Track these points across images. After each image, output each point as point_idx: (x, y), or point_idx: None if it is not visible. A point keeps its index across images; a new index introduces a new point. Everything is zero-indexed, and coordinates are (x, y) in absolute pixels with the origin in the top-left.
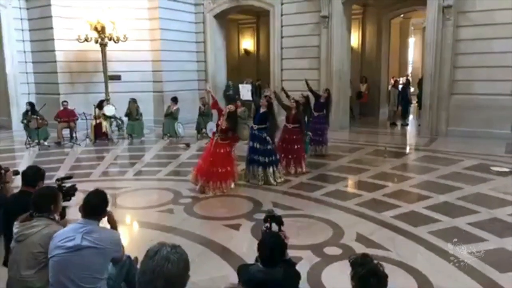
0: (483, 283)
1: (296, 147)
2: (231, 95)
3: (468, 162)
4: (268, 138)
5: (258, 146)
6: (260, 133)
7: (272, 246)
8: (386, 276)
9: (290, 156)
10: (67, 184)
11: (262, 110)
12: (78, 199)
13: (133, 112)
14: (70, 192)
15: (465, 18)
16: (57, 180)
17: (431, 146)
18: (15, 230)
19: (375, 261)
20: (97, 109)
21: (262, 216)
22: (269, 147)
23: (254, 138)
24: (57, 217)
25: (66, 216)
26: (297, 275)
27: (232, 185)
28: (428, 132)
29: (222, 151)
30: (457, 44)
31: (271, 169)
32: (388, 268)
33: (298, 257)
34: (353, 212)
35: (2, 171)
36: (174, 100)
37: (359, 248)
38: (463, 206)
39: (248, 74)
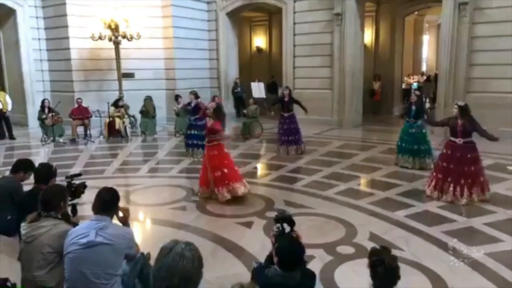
0: (498, 284)
1: (472, 168)
2: (239, 93)
3: (484, 161)
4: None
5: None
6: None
7: (293, 252)
8: (394, 267)
9: (462, 181)
10: (77, 181)
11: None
12: (90, 196)
13: (150, 110)
14: (80, 190)
15: (481, 15)
16: (67, 177)
17: None
18: (22, 231)
19: (391, 254)
20: (112, 107)
21: (274, 214)
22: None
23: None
24: (72, 218)
25: (77, 213)
26: (313, 275)
27: (242, 190)
28: (443, 130)
29: (211, 153)
30: (473, 41)
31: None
32: (402, 268)
33: (311, 255)
34: (366, 211)
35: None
36: (179, 97)
37: None
38: (479, 206)
39: (260, 72)
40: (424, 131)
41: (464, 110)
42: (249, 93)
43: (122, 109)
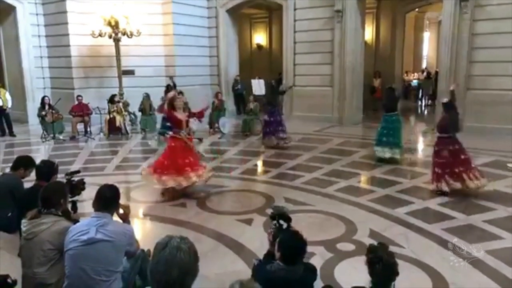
0: (497, 281)
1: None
2: (239, 90)
3: (484, 158)
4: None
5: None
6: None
7: (296, 245)
8: (392, 264)
9: (456, 170)
10: (76, 178)
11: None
12: (91, 193)
13: (146, 108)
14: (79, 186)
15: (482, 12)
16: (67, 174)
17: None
18: (23, 228)
19: (389, 250)
20: (109, 104)
21: (270, 211)
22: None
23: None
24: (73, 215)
25: (77, 209)
26: (315, 269)
27: (195, 179)
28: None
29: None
30: (473, 38)
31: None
32: (402, 265)
33: (311, 252)
34: (366, 208)
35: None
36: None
37: None
38: (479, 203)
39: (261, 69)
40: (396, 124)
41: (445, 106)
42: (249, 90)
43: (120, 104)
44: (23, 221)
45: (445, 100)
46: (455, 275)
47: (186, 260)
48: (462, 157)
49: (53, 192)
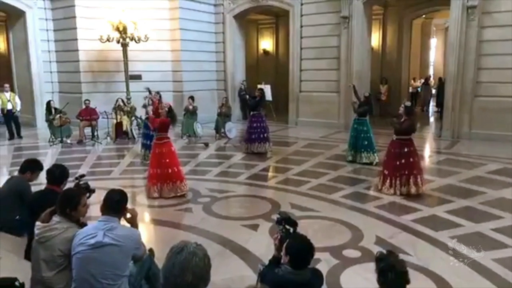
0: None
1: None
2: (245, 95)
3: (492, 166)
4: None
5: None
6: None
7: (304, 249)
8: (405, 272)
9: (406, 172)
10: (82, 182)
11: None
12: (98, 197)
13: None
14: (88, 190)
15: (489, 19)
16: (76, 178)
17: (453, 149)
18: (36, 231)
19: (399, 258)
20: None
21: (276, 217)
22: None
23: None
24: (81, 219)
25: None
26: (321, 274)
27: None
28: (450, 134)
29: (164, 150)
30: (481, 45)
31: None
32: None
33: (317, 259)
34: (372, 214)
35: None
36: (191, 98)
37: None
38: (486, 211)
39: (267, 74)
40: (366, 128)
41: (408, 109)
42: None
43: (121, 105)
44: (36, 223)
45: (408, 103)
46: (462, 283)
47: (201, 266)
48: (411, 159)
49: (70, 198)
